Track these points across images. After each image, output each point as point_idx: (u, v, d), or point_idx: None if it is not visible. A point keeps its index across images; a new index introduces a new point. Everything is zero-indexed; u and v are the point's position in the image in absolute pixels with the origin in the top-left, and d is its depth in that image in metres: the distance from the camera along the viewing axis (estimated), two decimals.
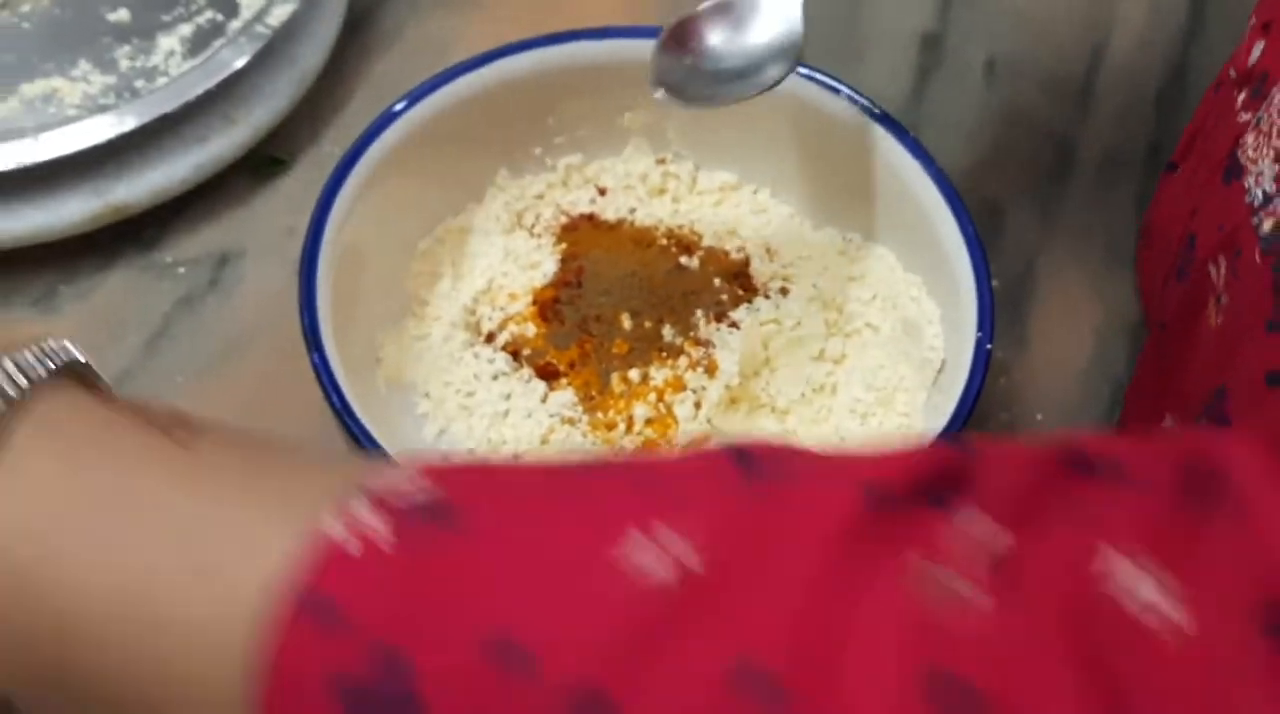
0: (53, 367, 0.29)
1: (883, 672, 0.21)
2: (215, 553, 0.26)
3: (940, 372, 0.50)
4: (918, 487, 0.24)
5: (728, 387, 0.52)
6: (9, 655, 0.27)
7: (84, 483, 0.27)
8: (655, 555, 0.23)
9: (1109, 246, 0.62)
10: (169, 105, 0.56)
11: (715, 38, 0.49)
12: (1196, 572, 0.21)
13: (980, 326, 0.46)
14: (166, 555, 0.26)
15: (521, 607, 0.24)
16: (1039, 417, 0.57)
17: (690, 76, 0.47)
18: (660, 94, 0.47)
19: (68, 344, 0.29)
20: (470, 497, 0.26)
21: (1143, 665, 0.21)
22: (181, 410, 0.29)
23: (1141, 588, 0.21)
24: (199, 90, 0.56)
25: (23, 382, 0.28)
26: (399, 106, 0.50)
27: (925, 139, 0.66)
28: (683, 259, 0.55)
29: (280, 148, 0.61)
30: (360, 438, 0.42)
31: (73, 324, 0.56)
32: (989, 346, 0.46)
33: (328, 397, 0.43)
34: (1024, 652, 0.22)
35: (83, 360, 0.30)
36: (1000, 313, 0.59)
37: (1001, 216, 0.63)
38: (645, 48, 0.54)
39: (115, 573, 0.26)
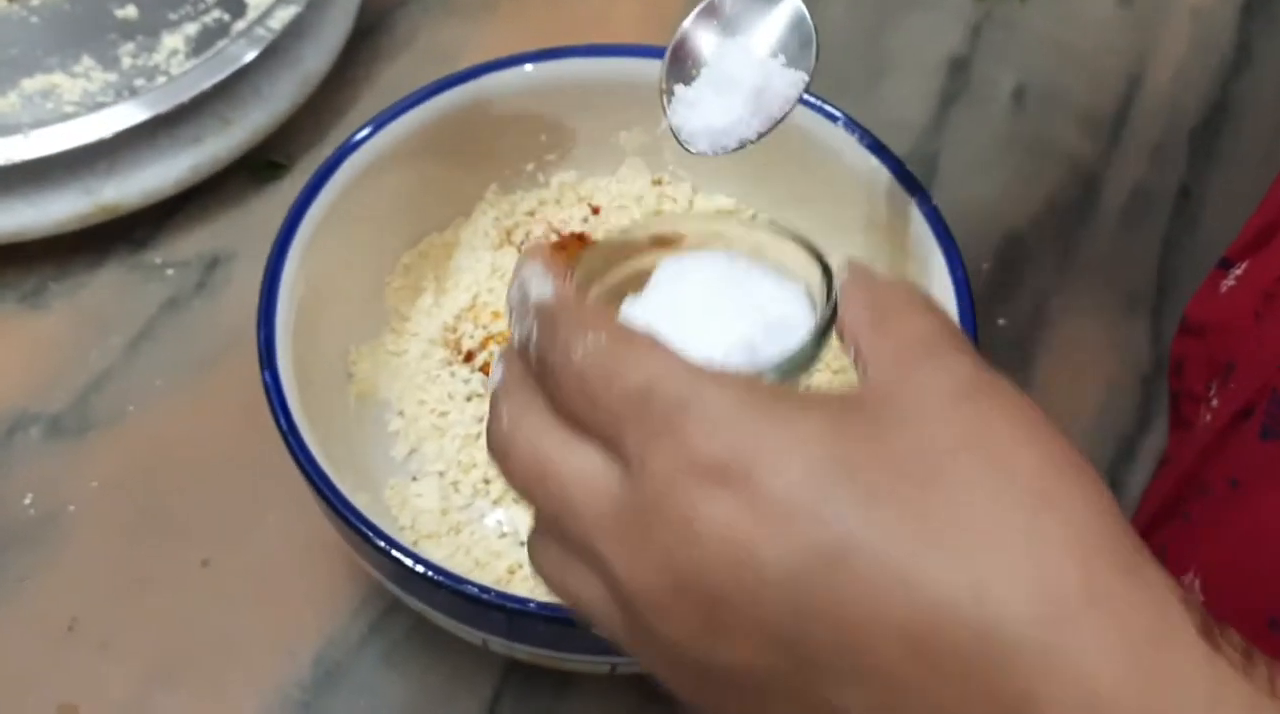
0: None
1: None
2: None
3: None
4: None
5: None
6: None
7: None
8: None
9: (1129, 292, 0.60)
10: (162, 106, 0.55)
11: (723, 61, 0.43)
12: None
13: None
14: None
15: None
16: None
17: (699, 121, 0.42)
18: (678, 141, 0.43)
19: None
20: None
21: None
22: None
23: None
24: (193, 92, 0.56)
25: None
26: (361, 134, 0.49)
27: (944, 163, 0.64)
28: None
29: (280, 152, 0.61)
30: (306, 465, 0.41)
31: (60, 321, 0.56)
32: None
33: (275, 418, 0.42)
34: None
35: None
36: (1006, 355, 0.57)
37: (1019, 251, 0.61)
38: (644, 66, 0.52)
39: None
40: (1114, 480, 0.54)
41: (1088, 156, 0.64)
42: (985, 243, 0.61)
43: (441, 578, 0.39)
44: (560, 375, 0.28)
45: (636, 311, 0.33)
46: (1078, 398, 0.56)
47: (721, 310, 0.32)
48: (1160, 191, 0.63)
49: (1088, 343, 0.58)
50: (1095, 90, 0.67)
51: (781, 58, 0.43)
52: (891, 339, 0.28)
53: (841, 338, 0.30)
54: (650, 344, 0.28)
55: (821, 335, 0.32)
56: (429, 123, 0.51)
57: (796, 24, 0.43)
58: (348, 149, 0.48)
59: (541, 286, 0.30)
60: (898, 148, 0.56)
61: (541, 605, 0.39)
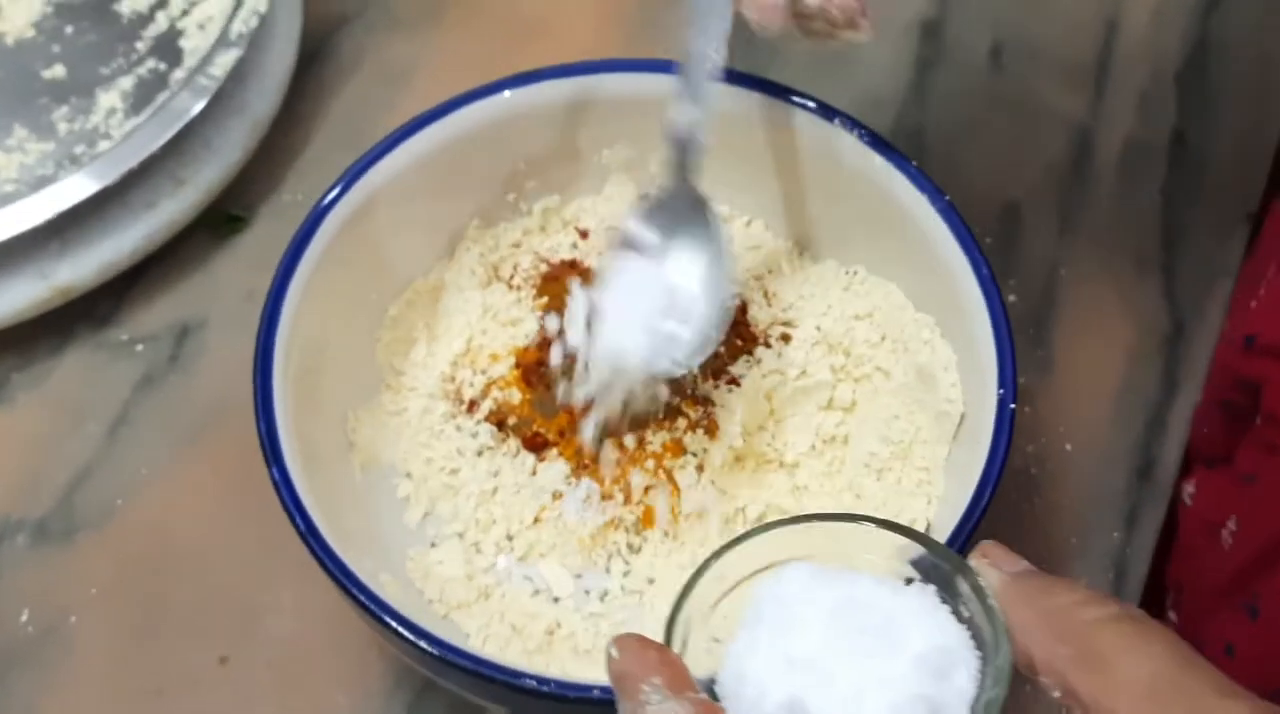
0: None
1: None
2: None
3: (960, 424, 0.46)
4: None
5: (730, 447, 0.48)
6: None
7: None
8: None
9: (1136, 250, 0.58)
10: (110, 176, 0.52)
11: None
12: None
13: (1002, 382, 0.42)
14: None
15: None
16: (1068, 447, 0.53)
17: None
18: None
19: None
20: None
21: None
22: None
23: None
24: (142, 155, 0.52)
25: None
26: (331, 195, 0.45)
27: (929, 136, 0.61)
28: None
29: (238, 204, 0.57)
30: (330, 565, 0.39)
31: (29, 415, 0.52)
32: (1013, 406, 0.42)
33: (291, 518, 0.39)
34: None
35: None
36: (1021, 332, 0.55)
37: (1017, 221, 0.59)
38: (616, 81, 0.50)
39: None
40: (1149, 457, 0.52)
41: (1075, 112, 0.62)
42: (984, 216, 0.58)
43: (498, 674, 0.37)
44: None
45: (753, 667, 0.28)
46: (1100, 371, 0.55)
47: (861, 653, 0.27)
48: (1153, 141, 0.61)
49: (1102, 310, 0.56)
50: (1073, 40, 0.64)
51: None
52: (1127, 690, 0.25)
53: (1035, 675, 0.27)
54: None
55: (1007, 676, 0.27)
56: (401, 169, 0.48)
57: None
58: (320, 213, 0.45)
59: None
60: (880, 123, 0.54)
61: (605, 690, 0.37)
